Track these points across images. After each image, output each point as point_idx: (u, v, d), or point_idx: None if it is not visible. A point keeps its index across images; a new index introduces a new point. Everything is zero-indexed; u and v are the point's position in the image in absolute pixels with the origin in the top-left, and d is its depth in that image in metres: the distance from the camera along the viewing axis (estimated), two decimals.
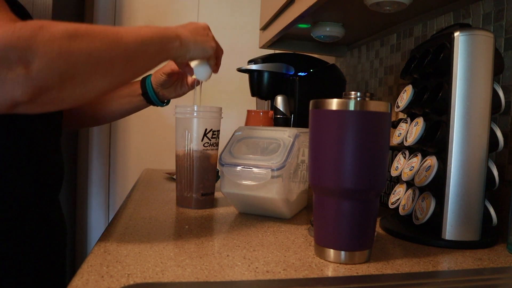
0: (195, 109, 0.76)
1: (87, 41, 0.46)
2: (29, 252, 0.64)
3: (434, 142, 0.61)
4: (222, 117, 0.80)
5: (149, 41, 0.54)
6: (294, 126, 1.03)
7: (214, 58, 0.67)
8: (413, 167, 0.67)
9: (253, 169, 0.68)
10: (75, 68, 0.45)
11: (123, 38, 0.50)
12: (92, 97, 0.50)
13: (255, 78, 1.08)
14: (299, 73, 1.07)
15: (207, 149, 0.78)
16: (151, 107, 0.89)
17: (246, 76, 1.11)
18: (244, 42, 1.77)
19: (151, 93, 0.85)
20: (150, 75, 0.87)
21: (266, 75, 1.07)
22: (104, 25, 0.54)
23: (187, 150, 0.77)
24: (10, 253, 0.61)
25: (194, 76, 0.71)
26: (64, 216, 0.78)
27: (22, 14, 0.63)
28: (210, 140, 0.78)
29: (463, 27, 0.61)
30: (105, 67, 0.49)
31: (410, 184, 0.71)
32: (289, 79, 1.07)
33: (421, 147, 0.67)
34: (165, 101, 0.89)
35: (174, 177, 0.93)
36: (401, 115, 0.81)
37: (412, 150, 0.72)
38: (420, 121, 0.67)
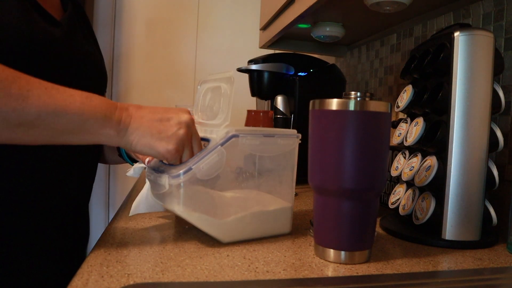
0: None
1: None
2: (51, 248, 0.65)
3: (434, 142, 0.61)
4: None
5: (72, 115, 0.46)
6: (294, 126, 1.03)
7: (174, 158, 0.54)
8: (413, 167, 0.67)
9: (159, 175, 0.56)
10: None
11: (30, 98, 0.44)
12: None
13: (255, 78, 1.08)
14: (299, 73, 1.07)
15: None
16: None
17: (246, 76, 1.11)
18: (244, 42, 1.77)
19: (124, 156, 0.81)
20: None
21: (266, 75, 1.07)
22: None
23: None
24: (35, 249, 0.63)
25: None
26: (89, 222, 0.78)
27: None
28: None
29: (463, 27, 0.61)
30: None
31: (410, 184, 0.71)
32: (289, 79, 1.07)
33: (421, 147, 0.67)
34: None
35: None
36: (401, 115, 0.81)
37: (412, 150, 0.72)
38: (420, 121, 0.67)
